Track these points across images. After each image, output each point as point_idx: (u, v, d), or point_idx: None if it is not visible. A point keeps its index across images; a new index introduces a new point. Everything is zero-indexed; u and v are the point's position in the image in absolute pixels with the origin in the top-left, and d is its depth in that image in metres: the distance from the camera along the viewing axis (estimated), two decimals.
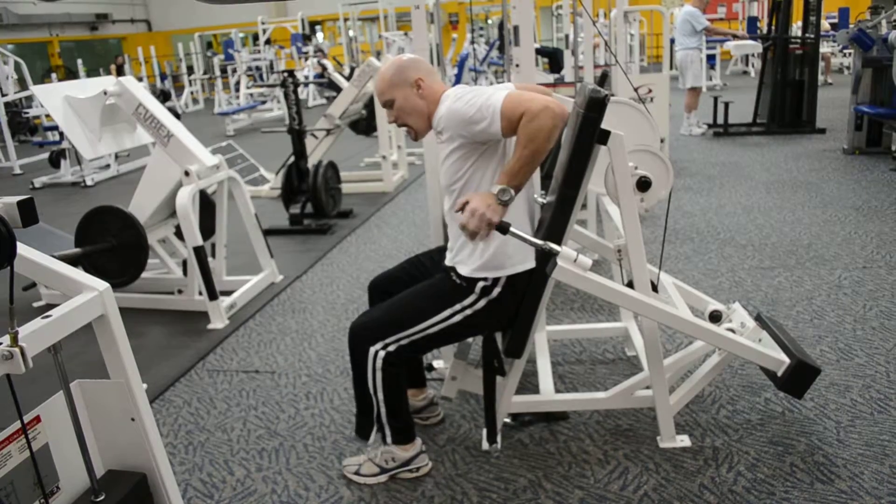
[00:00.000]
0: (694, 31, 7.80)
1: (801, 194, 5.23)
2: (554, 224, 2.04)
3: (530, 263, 2.10)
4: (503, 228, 1.83)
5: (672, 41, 8.52)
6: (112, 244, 3.58)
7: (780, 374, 2.17)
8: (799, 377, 2.15)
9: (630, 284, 2.52)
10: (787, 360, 2.17)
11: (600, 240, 2.70)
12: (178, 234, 4.01)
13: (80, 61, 14.56)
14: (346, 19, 16.42)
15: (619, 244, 2.62)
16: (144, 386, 1.64)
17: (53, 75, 13.62)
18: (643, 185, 2.30)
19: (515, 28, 2.48)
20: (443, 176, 2.08)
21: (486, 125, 1.86)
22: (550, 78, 7.49)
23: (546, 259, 1.97)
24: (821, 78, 10.21)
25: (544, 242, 1.88)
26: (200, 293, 3.69)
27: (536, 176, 2.56)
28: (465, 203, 1.84)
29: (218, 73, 15.41)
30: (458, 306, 2.06)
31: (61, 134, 8.15)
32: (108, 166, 8.68)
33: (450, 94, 2.01)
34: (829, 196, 5.12)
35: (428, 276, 2.25)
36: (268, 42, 15.92)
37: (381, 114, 6.16)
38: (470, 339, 2.46)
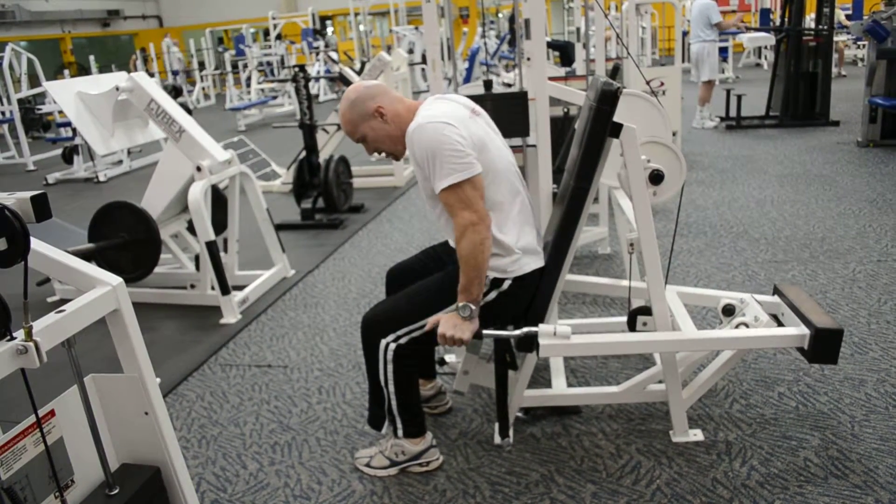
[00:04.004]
0: (710, 23, 7.74)
1: (815, 187, 5.19)
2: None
3: (539, 263, 2.09)
4: (478, 337, 2.00)
5: (685, 34, 8.45)
6: (125, 239, 3.60)
7: (805, 347, 2.08)
8: (824, 344, 2.04)
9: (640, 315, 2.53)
10: (806, 331, 2.07)
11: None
12: (191, 229, 4.03)
13: (92, 57, 14.62)
14: (356, 14, 16.41)
15: (631, 238, 2.61)
16: (158, 380, 1.65)
17: (66, 72, 13.70)
18: (656, 178, 2.29)
19: (526, 21, 2.48)
20: (424, 194, 2.11)
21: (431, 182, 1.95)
22: (562, 71, 7.46)
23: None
24: (834, 70, 10.11)
25: (520, 331, 2.02)
26: (213, 288, 3.71)
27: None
28: (436, 325, 1.98)
29: (229, 68, 15.45)
30: None
31: (74, 130, 8.21)
32: (120, 162, 8.74)
33: (419, 117, 1.97)
34: (844, 189, 5.07)
35: (443, 267, 2.25)
36: (279, 37, 15.93)
37: None
38: None
